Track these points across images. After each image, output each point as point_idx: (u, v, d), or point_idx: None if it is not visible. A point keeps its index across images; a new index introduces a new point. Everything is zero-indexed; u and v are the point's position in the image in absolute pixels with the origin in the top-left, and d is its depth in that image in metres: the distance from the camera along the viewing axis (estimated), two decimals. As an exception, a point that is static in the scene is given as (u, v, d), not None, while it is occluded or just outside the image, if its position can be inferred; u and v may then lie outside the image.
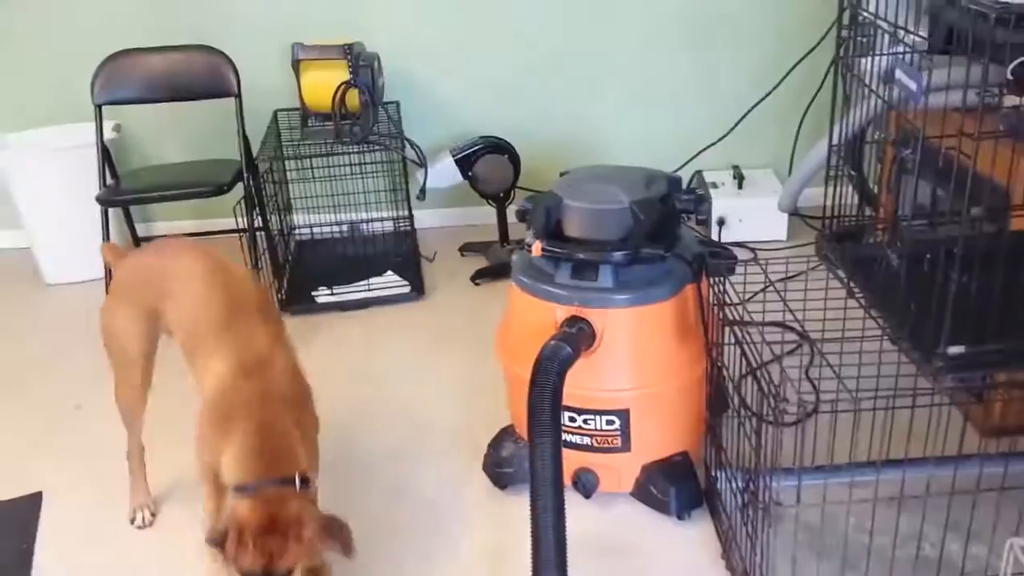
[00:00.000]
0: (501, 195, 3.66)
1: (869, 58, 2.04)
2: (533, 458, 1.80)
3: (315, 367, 2.97)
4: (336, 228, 3.91)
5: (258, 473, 1.72)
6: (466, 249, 3.79)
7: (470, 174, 3.60)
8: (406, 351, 3.08)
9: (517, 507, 2.26)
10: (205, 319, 1.98)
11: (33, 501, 2.38)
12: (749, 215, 3.56)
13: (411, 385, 2.87)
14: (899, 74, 1.67)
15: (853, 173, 2.74)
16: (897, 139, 2.20)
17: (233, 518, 1.68)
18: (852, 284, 2.01)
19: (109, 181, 3.42)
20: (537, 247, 2.14)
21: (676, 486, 2.19)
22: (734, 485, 2.10)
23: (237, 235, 3.18)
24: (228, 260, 2.13)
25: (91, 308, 3.44)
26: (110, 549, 2.22)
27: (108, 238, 3.28)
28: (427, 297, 3.44)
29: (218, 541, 1.68)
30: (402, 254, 3.69)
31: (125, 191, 3.35)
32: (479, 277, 3.54)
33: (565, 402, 1.96)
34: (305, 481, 1.74)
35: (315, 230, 3.92)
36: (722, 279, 2.07)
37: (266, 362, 1.92)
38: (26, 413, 2.83)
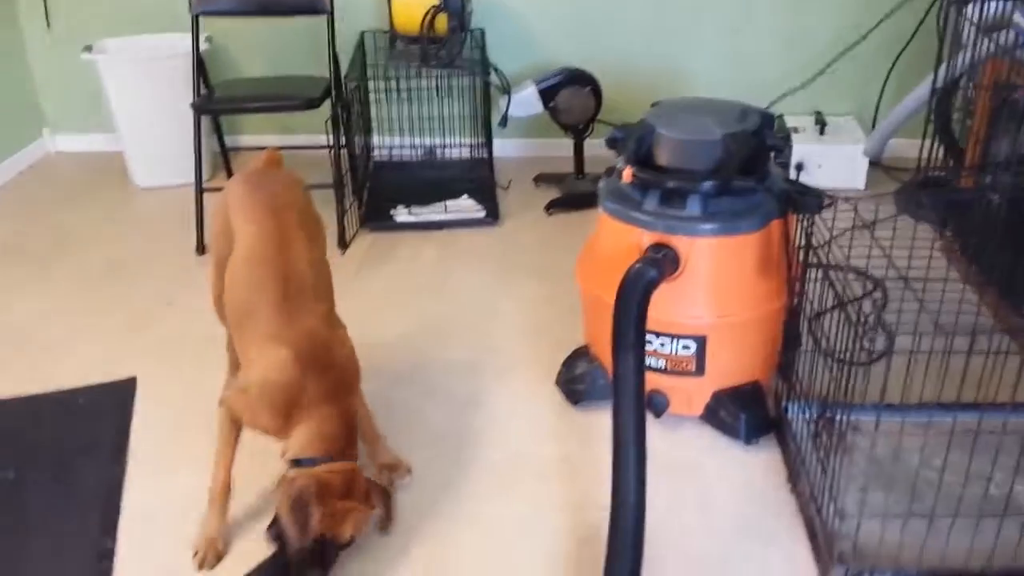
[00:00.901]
0: (580, 127, 3.69)
1: (978, 2, 2.03)
2: (617, 374, 1.87)
3: (391, 284, 3.10)
4: (414, 151, 3.98)
5: (332, 449, 1.84)
6: (541, 179, 3.84)
7: (551, 104, 3.63)
8: (479, 274, 3.16)
9: (588, 422, 2.35)
10: (258, 294, 1.96)
11: (128, 385, 2.52)
12: (829, 161, 3.55)
13: (483, 307, 2.95)
14: (1018, 18, 1.67)
15: (942, 122, 2.72)
16: (1004, 84, 2.19)
17: (314, 481, 1.77)
18: (941, 230, 2.03)
19: (203, 91, 3.52)
20: (628, 173, 2.18)
21: (746, 412, 2.25)
22: (807, 414, 2.16)
23: (320, 150, 3.27)
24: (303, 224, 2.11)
25: (179, 212, 3.60)
26: (199, 433, 2.36)
27: (200, 145, 3.38)
28: (501, 224, 3.51)
29: (297, 500, 1.76)
30: (478, 180, 3.75)
31: (219, 100, 3.45)
32: (552, 207, 3.59)
33: (646, 326, 2.02)
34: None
35: (393, 152, 4.00)
36: (810, 217, 2.11)
37: (328, 347, 1.94)
38: (120, 307, 2.97)
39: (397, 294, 3.04)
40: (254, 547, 1.95)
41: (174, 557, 1.98)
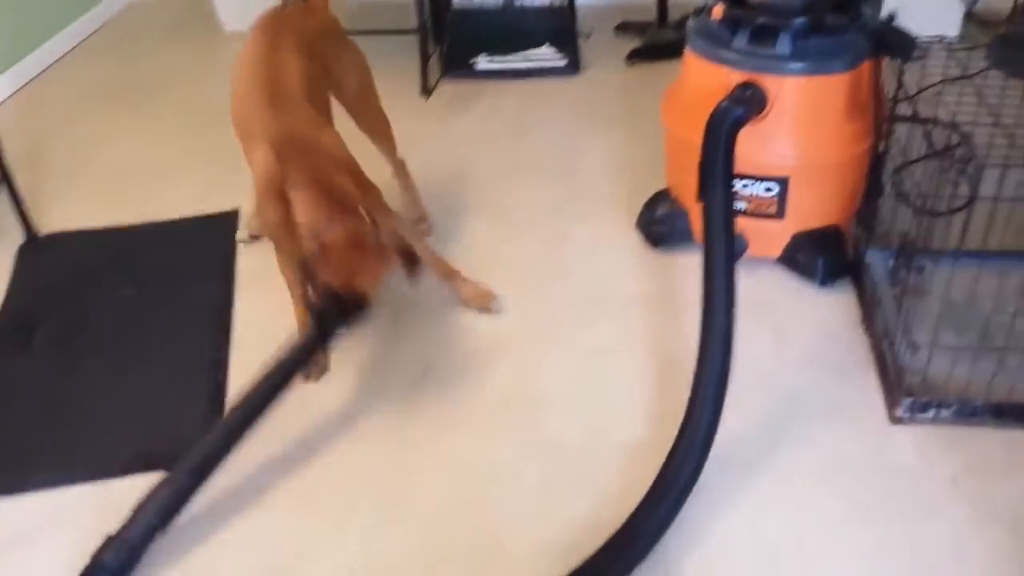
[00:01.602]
0: (665, -27, 3.61)
1: None
2: (707, 209, 1.93)
3: (474, 129, 3.16)
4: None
5: (330, 216, 1.88)
6: (622, 29, 3.80)
7: (636, -51, 3.55)
8: (560, 122, 3.19)
9: (667, 263, 2.43)
10: (250, 103, 2.04)
11: (231, 216, 2.66)
12: (922, 9, 3.42)
13: (565, 152, 3.00)
14: None
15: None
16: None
17: (321, 240, 1.85)
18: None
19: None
20: (718, 10, 2.18)
21: (824, 255, 2.30)
22: (885, 259, 2.20)
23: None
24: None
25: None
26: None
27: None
28: (582, 73, 3.51)
29: (304, 268, 1.88)
30: (558, 30, 3.72)
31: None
32: (634, 57, 3.57)
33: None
34: (374, 222, 1.93)
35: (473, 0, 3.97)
36: (902, 62, 2.09)
37: (310, 140, 1.99)
38: (216, 146, 3.08)
39: (480, 139, 3.10)
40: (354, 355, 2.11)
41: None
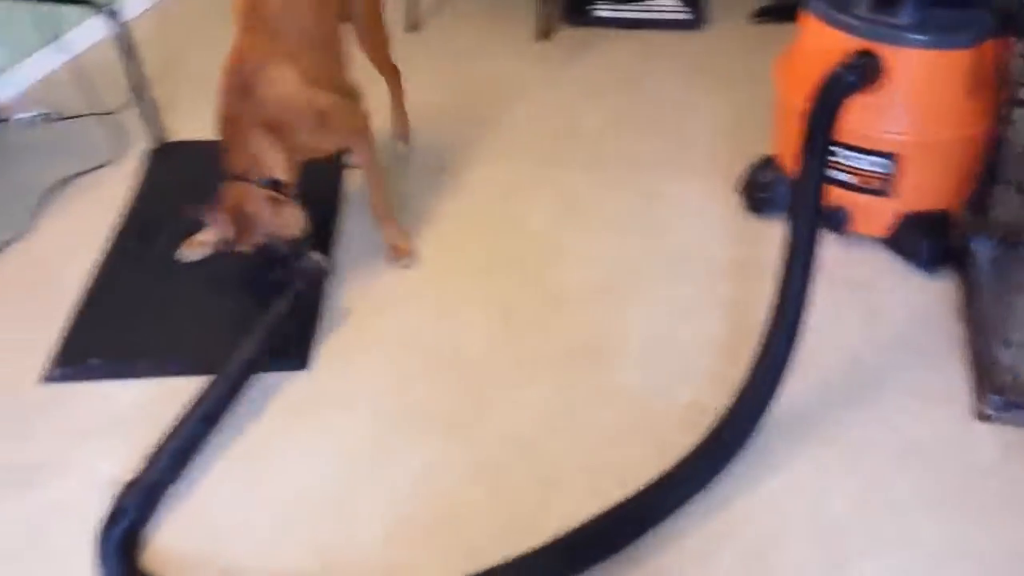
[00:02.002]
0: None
1: None
2: (799, 175, 1.91)
3: (587, 77, 3.15)
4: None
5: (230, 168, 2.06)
6: (752, -14, 3.69)
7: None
8: (675, 76, 3.16)
9: (763, 230, 2.40)
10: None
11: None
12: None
13: (676, 107, 2.98)
14: None
15: None
16: None
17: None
18: None
19: None
20: (844, -26, 2.11)
21: (929, 239, 2.23)
22: (993, 249, 2.12)
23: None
24: None
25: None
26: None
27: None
28: (704, 28, 3.44)
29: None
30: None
31: None
32: (761, 16, 3.48)
33: (836, 137, 2.03)
34: (275, 183, 2.07)
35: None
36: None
37: (254, 74, 2.05)
38: None
39: (591, 88, 3.10)
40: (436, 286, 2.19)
41: (376, 284, 2.25)
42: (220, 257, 2.21)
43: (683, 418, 1.89)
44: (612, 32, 3.43)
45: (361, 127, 2.28)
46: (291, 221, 2.12)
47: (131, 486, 1.73)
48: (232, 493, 1.80)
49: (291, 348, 2.09)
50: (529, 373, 2.03)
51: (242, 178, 2.06)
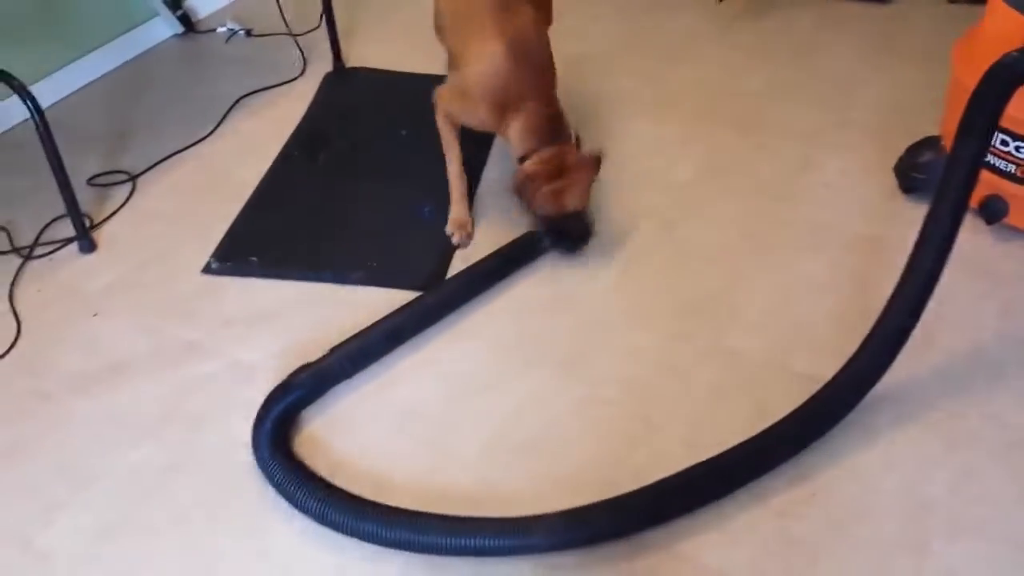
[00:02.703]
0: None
1: None
2: (952, 157, 1.84)
3: (760, 41, 3.10)
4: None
5: (542, 140, 2.10)
6: (954, -39, 3.48)
7: None
8: (853, 47, 3.05)
9: (913, 212, 2.31)
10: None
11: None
12: None
13: (847, 79, 2.88)
14: None
15: None
16: None
17: (524, 173, 2.09)
18: None
19: None
20: (1040, -48, 1.99)
21: (1089, 241, 2.11)
22: None
23: None
24: None
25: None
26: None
27: None
28: (893, 3, 3.29)
29: (518, 190, 2.11)
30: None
31: None
32: (958, -6, 3.28)
33: (1004, 124, 1.94)
34: (577, 139, 2.09)
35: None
36: None
37: (537, 46, 2.15)
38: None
39: (762, 51, 3.05)
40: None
41: (507, 227, 2.34)
42: (384, 175, 2.35)
43: (792, 386, 1.89)
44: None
45: None
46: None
47: (305, 369, 1.89)
48: (365, 392, 1.95)
49: (426, 274, 2.22)
50: (645, 321, 2.08)
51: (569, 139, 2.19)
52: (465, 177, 2.35)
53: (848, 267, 2.19)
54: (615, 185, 2.48)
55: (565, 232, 2.18)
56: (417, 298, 2.08)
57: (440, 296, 2.11)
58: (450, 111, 2.28)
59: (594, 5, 3.36)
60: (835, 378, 1.79)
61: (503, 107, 2.14)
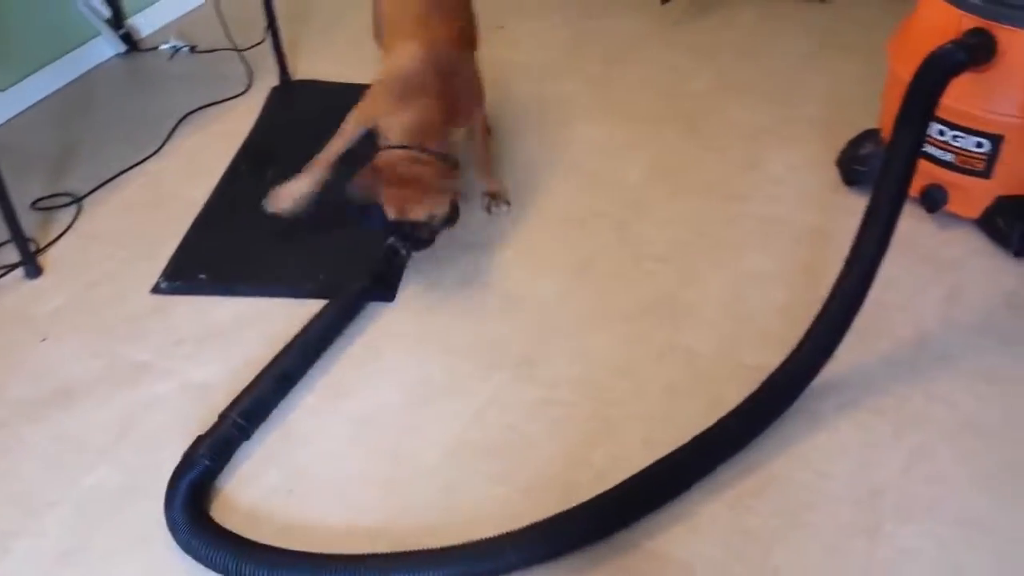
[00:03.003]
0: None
1: None
2: (891, 146, 1.88)
3: (700, 41, 3.14)
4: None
5: (413, 139, 2.07)
6: (888, -43, 3.56)
7: None
8: (795, 43, 3.10)
9: (857, 203, 2.33)
10: (405, 10, 2.28)
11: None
12: None
13: (789, 75, 2.93)
14: None
15: None
16: None
17: (375, 163, 2.07)
18: None
19: None
20: (964, -54, 2.05)
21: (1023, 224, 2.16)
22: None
23: None
24: None
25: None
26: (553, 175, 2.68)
27: None
28: (832, 1, 3.36)
29: (365, 175, 2.07)
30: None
31: None
32: (893, -11, 3.36)
33: (940, 114, 1.99)
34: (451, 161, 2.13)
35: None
36: None
37: (455, 59, 2.21)
38: None
39: (706, 51, 3.09)
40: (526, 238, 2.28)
41: (461, 227, 2.35)
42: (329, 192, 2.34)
43: (746, 379, 1.91)
44: (734, -4, 3.39)
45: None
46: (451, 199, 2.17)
47: (203, 439, 1.80)
48: (316, 405, 1.94)
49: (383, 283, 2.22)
50: (600, 322, 2.10)
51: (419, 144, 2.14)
52: (328, 166, 2.28)
53: (797, 260, 2.23)
54: (566, 187, 2.51)
55: (405, 233, 2.13)
56: (296, 336, 2.02)
57: (317, 329, 2.05)
58: (360, 105, 2.28)
59: (538, 11, 3.38)
60: (780, 368, 1.82)
61: (399, 99, 2.14)
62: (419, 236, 2.13)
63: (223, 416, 1.84)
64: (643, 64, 3.04)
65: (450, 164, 2.15)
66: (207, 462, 1.76)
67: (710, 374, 1.96)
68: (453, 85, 2.19)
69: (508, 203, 2.44)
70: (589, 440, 1.84)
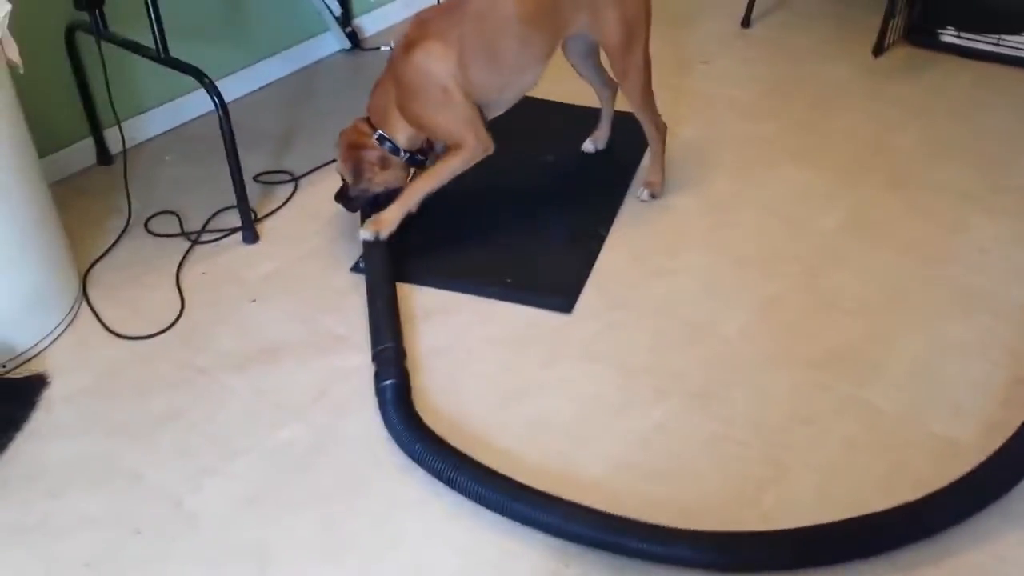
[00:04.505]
0: None
1: None
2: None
3: (912, 99, 3.07)
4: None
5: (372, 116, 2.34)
6: None
7: None
8: (1010, 114, 2.98)
9: None
10: None
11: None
12: None
13: (1002, 143, 2.83)
14: None
15: None
16: None
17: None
18: None
19: None
20: None
21: None
22: None
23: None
24: None
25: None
26: (708, 168, 2.70)
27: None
28: (1058, 71, 3.21)
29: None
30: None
31: None
32: None
33: None
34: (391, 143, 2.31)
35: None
36: None
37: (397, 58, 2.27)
38: (664, 56, 3.25)
39: (915, 109, 3.01)
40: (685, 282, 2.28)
41: (649, 253, 2.38)
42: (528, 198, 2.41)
43: (932, 449, 1.86)
44: (952, 58, 3.29)
45: (463, 143, 2.29)
46: (383, 178, 2.35)
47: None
48: (494, 403, 2.01)
49: (559, 292, 2.27)
50: (782, 364, 2.08)
51: (371, 125, 2.33)
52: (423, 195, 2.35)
53: (998, 335, 2.14)
54: (759, 225, 2.50)
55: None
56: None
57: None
58: None
59: (745, 49, 3.39)
60: (995, 455, 1.74)
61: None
62: (347, 195, 2.39)
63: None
64: (849, 113, 2.99)
65: (396, 157, 2.33)
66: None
67: (894, 436, 1.90)
68: (409, 94, 2.27)
69: (654, 196, 2.58)
70: (759, 481, 1.82)
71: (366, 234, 2.31)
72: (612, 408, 1.99)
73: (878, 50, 3.30)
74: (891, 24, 3.30)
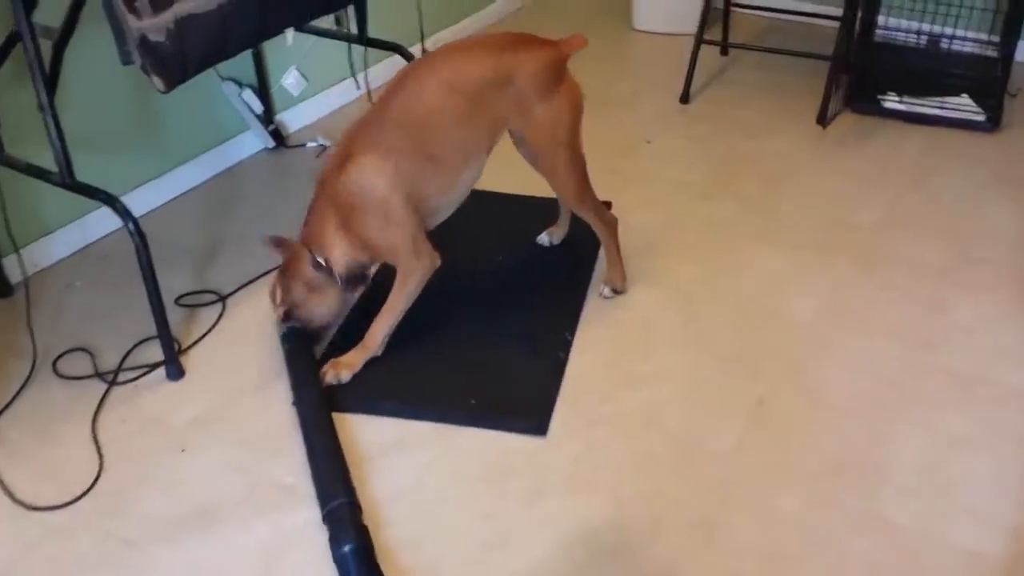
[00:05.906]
0: None
1: None
2: None
3: (863, 169, 2.99)
4: (917, 37, 3.68)
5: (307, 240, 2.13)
6: (1063, 91, 3.38)
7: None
8: (965, 178, 2.92)
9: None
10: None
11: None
12: None
13: (965, 212, 2.75)
14: None
15: None
16: None
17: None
18: None
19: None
20: None
21: None
22: None
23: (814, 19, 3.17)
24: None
25: (670, 57, 3.70)
26: (669, 257, 2.53)
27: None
28: (1000, 132, 3.18)
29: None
30: (983, 81, 3.38)
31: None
32: (1069, 125, 3.16)
33: None
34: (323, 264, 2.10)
35: (894, 35, 3.72)
36: None
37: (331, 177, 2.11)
38: (606, 139, 3.14)
39: (870, 179, 2.93)
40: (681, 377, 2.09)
41: (621, 357, 2.18)
42: (483, 303, 2.20)
43: (961, 567, 1.69)
44: (898, 124, 3.24)
45: (409, 266, 2.13)
46: (323, 310, 2.15)
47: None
48: (473, 555, 1.76)
49: (531, 412, 2.06)
50: (783, 480, 1.89)
51: (306, 246, 2.12)
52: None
53: (1002, 425, 2.00)
54: (731, 319, 2.33)
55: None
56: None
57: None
58: None
59: (687, 126, 3.28)
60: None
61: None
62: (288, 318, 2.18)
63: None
64: (803, 188, 2.88)
65: (333, 278, 2.13)
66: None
67: (918, 556, 1.72)
68: (348, 214, 2.09)
69: (617, 292, 2.40)
70: (778, 622, 1.62)
71: (330, 378, 2.10)
72: (607, 549, 1.76)
73: (822, 120, 3.23)
74: (834, 93, 3.23)
